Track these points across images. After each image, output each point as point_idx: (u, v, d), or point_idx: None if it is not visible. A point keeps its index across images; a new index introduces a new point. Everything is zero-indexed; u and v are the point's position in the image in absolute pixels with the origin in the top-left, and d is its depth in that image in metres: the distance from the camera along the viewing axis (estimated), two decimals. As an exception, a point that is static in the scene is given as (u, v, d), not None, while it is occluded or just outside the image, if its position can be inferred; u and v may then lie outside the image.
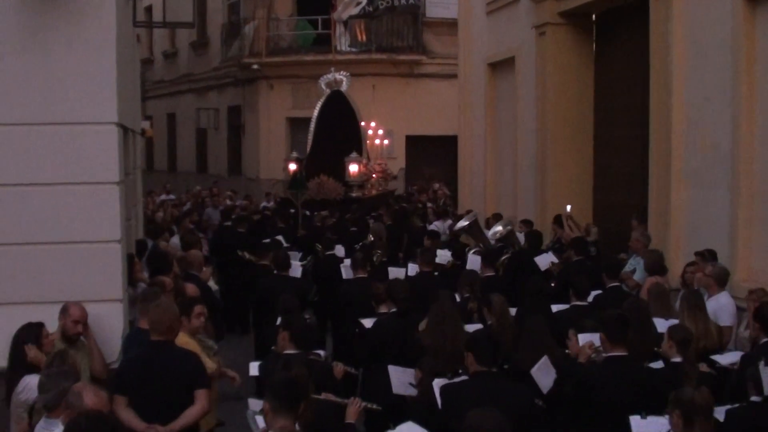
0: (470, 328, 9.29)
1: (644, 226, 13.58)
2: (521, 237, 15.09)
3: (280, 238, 16.22)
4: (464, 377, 7.14)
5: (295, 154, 25.63)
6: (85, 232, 8.63)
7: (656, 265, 11.29)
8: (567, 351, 8.26)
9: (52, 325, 8.07)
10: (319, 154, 26.02)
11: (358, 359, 9.70)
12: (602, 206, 16.96)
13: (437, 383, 7.06)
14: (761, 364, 6.76)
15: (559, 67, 17.34)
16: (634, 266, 12.27)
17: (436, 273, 12.51)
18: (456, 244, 15.30)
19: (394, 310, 9.74)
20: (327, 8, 31.88)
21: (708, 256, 11.19)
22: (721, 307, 9.83)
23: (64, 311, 8.08)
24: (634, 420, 6.57)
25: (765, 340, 8.34)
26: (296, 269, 13.08)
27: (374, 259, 14.43)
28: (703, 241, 12.09)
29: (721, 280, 10.15)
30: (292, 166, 24.39)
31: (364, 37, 31.79)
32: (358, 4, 30.90)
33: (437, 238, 15.39)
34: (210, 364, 8.24)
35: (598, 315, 8.43)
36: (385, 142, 29.35)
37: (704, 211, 12.45)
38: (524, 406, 6.84)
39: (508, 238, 14.92)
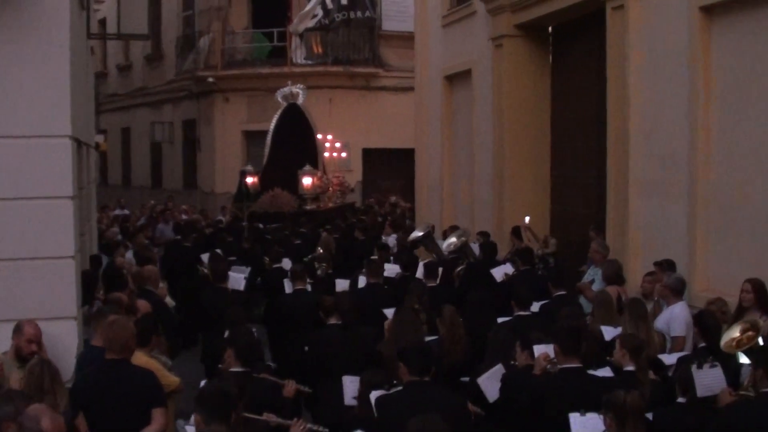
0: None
1: (602, 237, 13.58)
2: (476, 248, 15.15)
3: (218, 251, 16.10)
4: (399, 388, 7.13)
5: (249, 167, 25.63)
6: (38, 247, 8.44)
7: (614, 275, 11.32)
8: (513, 362, 8.28)
9: (5, 344, 7.90)
10: (275, 167, 26.10)
11: (302, 372, 9.56)
12: (560, 217, 16.95)
13: (373, 395, 7.09)
14: (693, 366, 6.89)
15: (516, 79, 17.29)
16: (593, 276, 12.27)
17: (385, 286, 12.56)
18: (405, 255, 15.32)
19: (334, 322, 9.73)
20: (283, 21, 31.87)
21: (666, 266, 11.21)
22: (674, 317, 9.88)
23: (18, 330, 7.89)
24: (573, 417, 6.66)
25: (702, 345, 8.44)
26: (239, 281, 12.98)
27: (319, 271, 14.47)
28: (661, 251, 12.09)
29: (677, 290, 10.20)
30: (249, 180, 24.45)
31: (321, 50, 31.72)
32: (314, 16, 30.95)
33: (386, 251, 15.36)
34: (172, 379, 8.18)
35: (548, 326, 8.50)
36: (343, 154, 29.31)
37: (662, 221, 12.45)
38: (458, 412, 6.89)
39: (462, 249, 15.00)
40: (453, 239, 15.28)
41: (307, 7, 31.10)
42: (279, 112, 27.23)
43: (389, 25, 31.96)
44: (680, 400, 6.92)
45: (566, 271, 13.28)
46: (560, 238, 15.66)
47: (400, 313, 9.24)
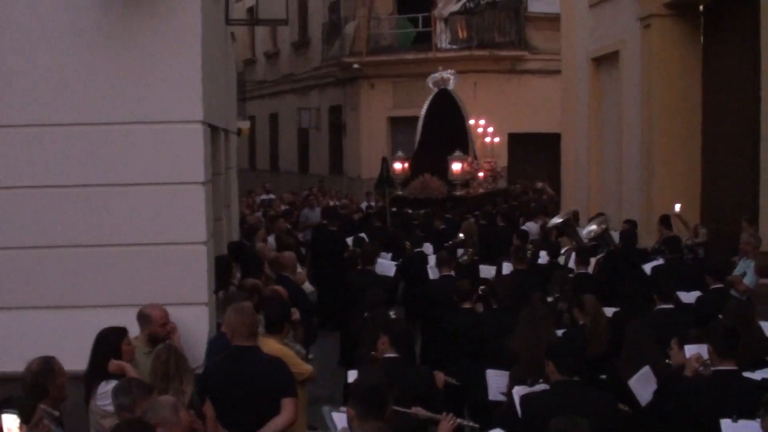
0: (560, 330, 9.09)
1: (755, 227, 12.92)
2: (616, 236, 14.73)
3: (363, 235, 16.19)
4: (545, 386, 6.87)
5: (399, 153, 25.65)
6: (170, 233, 8.41)
7: (769, 268, 10.72)
8: (668, 361, 7.82)
9: (136, 329, 7.91)
10: (426, 152, 26.04)
11: (449, 360, 9.44)
12: (711, 206, 16.29)
13: (517, 391, 6.90)
14: None
15: (666, 60, 16.72)
16: (744, 269, 11.64)
17: (531, 273, 12.29)
18: (550, 243, 15.13)
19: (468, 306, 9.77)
20: (427, 5, 31.75)
21: None
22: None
23: (145, 317, 7.89)
24: (725, 423, 6.25)
25: None
26: (390, 268, 13.17)
27: (464, 257, 14.41)
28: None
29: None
30: (398, 165, 24.50)
31: (465, 34, 31.46)
32: (459, 0, 30.60)
33: (526, 238, 15.23)
34: (305, 368, 8.03)
35: (706, 325, 8.00)
36: (496, 140, 28.99)
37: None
38: (608, 416, 6.50)
39: (602, 236, 14.71)
40: (593, 227, 15.02)
41: (452, -9, 30.86)
42: (430, 98, 27.05)
43: (535, 6, 31.49)
44: None
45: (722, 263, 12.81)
46: (711, 227, 15.01)
47: (531, 307, 8.85)
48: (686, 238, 14.15)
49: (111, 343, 7.27)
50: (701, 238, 14.09)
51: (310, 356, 9.30)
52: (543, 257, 14.05)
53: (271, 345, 7.84)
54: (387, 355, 7.53)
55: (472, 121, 27.76)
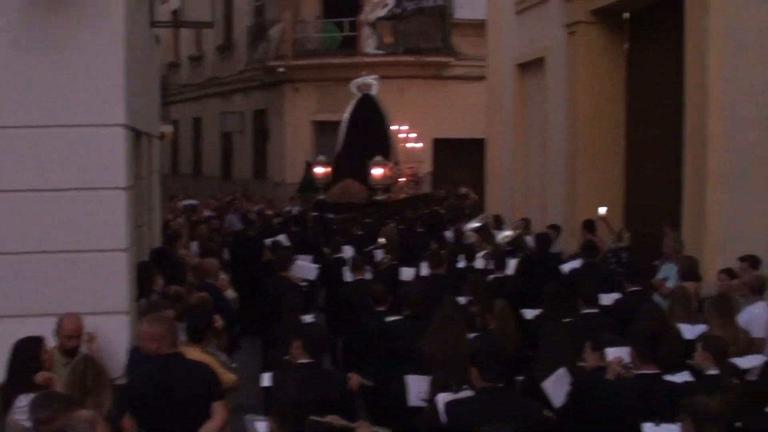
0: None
1: (678, 231, 13.05)
2: (530, 241, 14.92)
3: (280, 238, 16.23)
4: (469, 392, 6.77)
5: (321, 158, 25.58)
6: (90, 240, 8.19)
7: (690, 272, 10.76)
8: (581, 364, 7.85)
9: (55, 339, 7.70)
10: (348, 157, 25.91)
11: (364, 360, 9.61)
12: (635, 210, 16.42)
13: (441, 398, 6.83)
14: None
15: (591, 67, 16.80)
16: (667, 273, 11.75)
17: (449, 277, 12.39)
18: (465, 247, 15.22)
19: (383, 309, 9.86)
20: (354, 10, 31.65)
21: (751, 261, 10.65)
22: (753, 317, 9.31)
23: (59, 325, 7.71)
24: (647, 427, 6.30)
25: None
26: (311, 271, 13.32)
27: (384, 261, 14.53)
28: (741, 247, 11.53)
29: (757, 289, 9.65)
30: (320, 170, 24.43)
31: (392, 39, 31.42)
32: (385, 5, 30.69)
33: (443, 243, 15.48)
34: (228, 377, 7.93)
35: (617, 325, 8.29)
36: (419, 145, 29.12)
37: (742, 215, 11.92)
38: (533, 422, 6.52)
39: (516, 241, 14.96)
40: (508, 231, 15.39)
41: (379, -4, 30.85)
42: (353, 103, 26.95)
43: (461, 13, 31.47)
44: None
45: (640, 267, 12.90)
46: (634, 231, 15.11)
47: (443, 309, 8.84)
48: (610, 242, 14.25)
49: (29, 354, 7.06)
50: (625, 242, 14.16)
51: (234, 364, 9.18)
52: (461, 261, 14.12)
53: (193, 354, 7.75)
54: (300, 361, 7.48)
55: (395, 127, 27.74)
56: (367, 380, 8.18)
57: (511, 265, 13.04)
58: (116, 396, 6.94)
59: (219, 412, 6.77)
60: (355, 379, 7.95)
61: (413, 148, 28.42)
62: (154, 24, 12.09)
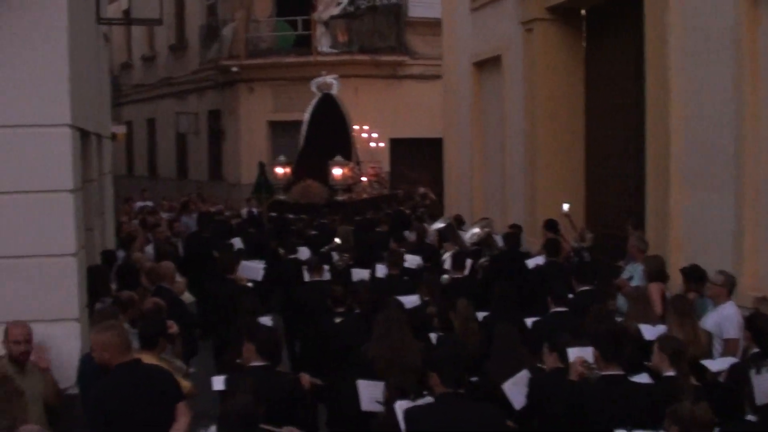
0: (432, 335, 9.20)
1: (641, 231, 12.91)
2: (500, 240, 14.79)
3: (234, 241, 16.15)
4: (429, 399, 6.70)
5: (282, 158, 25.51)
6: (36, 244, 7.87)
7: (657, 272, 10.60)
8: (541, 365, 7.88)
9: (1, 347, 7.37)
10: (308, 157, 25.88)
11: (320, 362, 9.71)
12: (596, 210, 16.31)
13: (400, 406, 6.76)
14: (752, 372, 6.58)
15: (548, 64, 16.66)
16: (632, 273, 11.60)
17: (405, 277, 12.41)
18: (427, 247, 15.15)
19: (341, 311, 9.92)
20: (307, 9, 31.45)
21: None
22: (725, 317, 9.12)
23: (5, 333, 7.38)
24: None
25: (756, 350, 7.92)
26: (257, 272, 13.21)
27: (339, 262, 14.56)
28: (705, 246, 11.50)
29: (731, 289, 9.48)
30: (279, 170, 24.38)
31: (346, 38, 31.27)
32: (339, 4, 30.57)
33: (404, 243, 15.38)
34: (184, 384, 7.67)
35: (590, 331, 8.05)
36: (381, 144, 29.08)
37: (706, 214, 11.77)
38: (496, 427, 6.47)
39: (485, 240, 14.82)
40: (476, 230, 15.27)
41: (333, -5, 30.59)
42: (313, 102, 26.88)
43: (415, 11, 31.44)
44: (750, 418, 6.34)
45: (602, 266, 12.94)
46: (596, 231, 15.01)
47: (387, 311, 8.85)
48: (573, 241, 14.13)
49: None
50: (587, 242, 14.05)
51: (191, 369, 8.95)
52: (412, 261, 13.84)
53: (147, 361, 7.54)
54: (253, 364, 7.51)
55: (356, 127, 27.63)
56: (317, 380, 8.29)
57: (468, 265, 12.89)
58: (85, 412, 6.83)
59: (183, 412, 6.75)
60: (305, 379, 8.00)
61: (375, 148, 28.31)
62: (101, 21, 11.78)
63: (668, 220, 12.34)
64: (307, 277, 12.60)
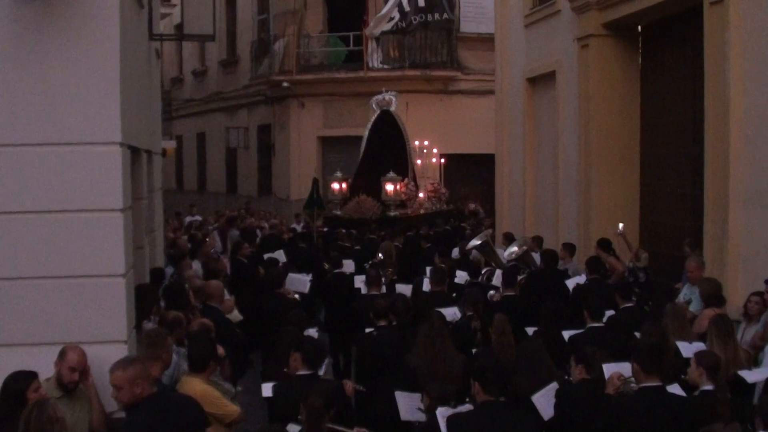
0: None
1: (698, 252, 12.61)
2: (537, 257, 14.75)
3: (275, 255, 16.13)
4: (470, 407, 6.98)
5: (339, 174, 25.73)
6: (84, 265, 7.68)
7: (713, 296, 10.35)
8: (567, 377, 8.10)
9: (48, 370, 7.22)
10: (366, 173, 26.09)
11: (358, 371, 10.20)
12: (651, 229, 16.03)
13: (442, 413, 6.99)
14: None
15: (604, 81, 16.45)
16: (690, 296, 11.32)
17: (453, 294, 12.49)
18: (470, 263, 15.09)
19: (384, 324, 10.05)
20: (358, 24, 31.32)
21: None
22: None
23: (61, 356, 7.22)
24: None
25: None
26: (304, 284, 13.49)
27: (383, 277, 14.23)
28: (765, 267, 11.14)
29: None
30: (335, 186, 25.15)
31: (397, 54, 31.16)
32: (391, 19, 30.39)
33: (448, 258, 15.51)
34: (231, 409, 7.68)
35: (617, 339, 8.72)
36: (442, 161, 29.17)
37: (766, 235, 11.47)
38: None
39: (523, 258, 14.74)
40: (514, 248, 15.12)
41: (384, 10, 30.44)
42: (373, 119, 27.00)
43: (467, 26, 31.26)
44: None
45: (659, 287, 12.87)
46: (651, 251, 14.71)
47: (429, 322, 9.17)
48: (628, 261, 13.85)
49: (15, 391, 6.64)
50: (642, 262, 13.74)
51: (239, 388, 8.83)
52: (461, 277, 14.05)
53: (194, 385, 7.54)
54: (300, 372, 8.01)
55: (416, 142, 27.78)
56: (359, 386, 8.68)
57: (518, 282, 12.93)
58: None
59: None
60: (349, 386, 8.45)
61: (434, 163, 28.47)
62: (153, 37, 11.72)
63: (727, 240, 12.05)
64: (364, 290, 12.63)
